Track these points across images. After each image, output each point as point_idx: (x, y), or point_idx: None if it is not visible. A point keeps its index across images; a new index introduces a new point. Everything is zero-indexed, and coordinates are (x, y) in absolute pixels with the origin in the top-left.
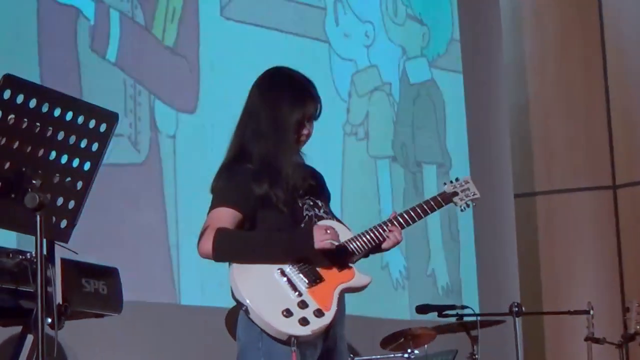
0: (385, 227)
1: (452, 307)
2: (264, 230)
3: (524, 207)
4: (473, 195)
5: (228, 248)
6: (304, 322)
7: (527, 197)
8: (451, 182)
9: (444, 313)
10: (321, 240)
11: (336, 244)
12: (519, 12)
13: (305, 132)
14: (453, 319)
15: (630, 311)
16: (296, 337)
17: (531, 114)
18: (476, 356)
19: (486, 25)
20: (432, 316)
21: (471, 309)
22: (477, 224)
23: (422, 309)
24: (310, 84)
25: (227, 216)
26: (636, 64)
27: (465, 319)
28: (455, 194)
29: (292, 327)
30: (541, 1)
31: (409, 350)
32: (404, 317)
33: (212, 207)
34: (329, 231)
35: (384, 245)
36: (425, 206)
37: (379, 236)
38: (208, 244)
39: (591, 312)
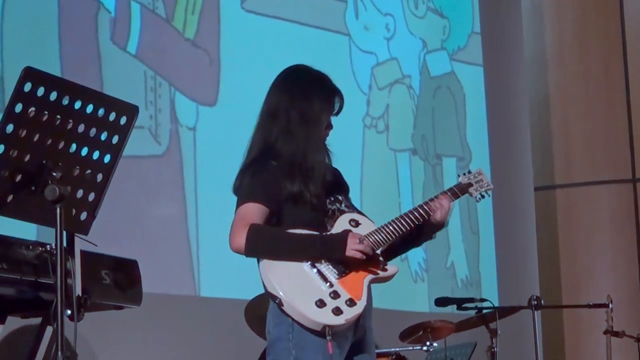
0: (414, 212)
1: (471, 300)
2: (292, 226)
3: (544, 200)
4: (487, 186)
5: (261, 245)
6: (337, 311)
7: (547, 190)
8: (464, 174)
9: (463, 306)
10: (353, 249)
11: (366, 257)
12: (540, 5)
13: (328, 128)
14: (472, 312)
15: None
16: (331, 326)
17: (551, 107)
18: (495, 349)
19: (507, 18)
20: (452, 309)
21: (490, 302)
22: (496, 217)
23: (441, 302)
24: (331, 79)
25: (256, 211)
26: None
27: (484, 311)
28: (470, 184)
29: (326, 317)
30: None
31: (428, 343)
32: (423, 309)
33: (240, 203)
34: (364, 242)
35: (437, 216)
36: (449, 192)
37: (404, 225)
38: (241, 240)
39: (610, 305)
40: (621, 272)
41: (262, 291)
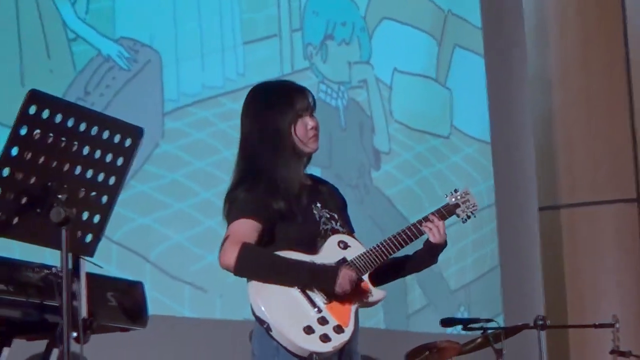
0: (402, 234)
1: (477, 320)
2: (284, 243)
3: (548, 220)
4: (473, 207)
5: (251, 265)
6: (325, 338)
7: (552, 210)
8: (451, 193)
9: (468, 326)
10: (343, 289)
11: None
12: (543, 25)
13: (310, 125)
14: (478, 332)
15: None
16: (318, 354)
17: (555, 127)
18: None
19: (510, 37)
20: (457, 329)
21: (496, 322)
22: (501, 237)
23: (447, 322)
24: (291, 82)
25: (248, 228)
26: None
27: (490, 332)
28: (457, 205)
29: (314, 344)
30: (565, 14)
31: None
32: (429, 330)
33: (233, 218)
34: (353, 284)
35: (433, 240)
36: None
37: (392, 247)
38: (231, 257)
39: (616, 325)
40: (627, 291)
41: None
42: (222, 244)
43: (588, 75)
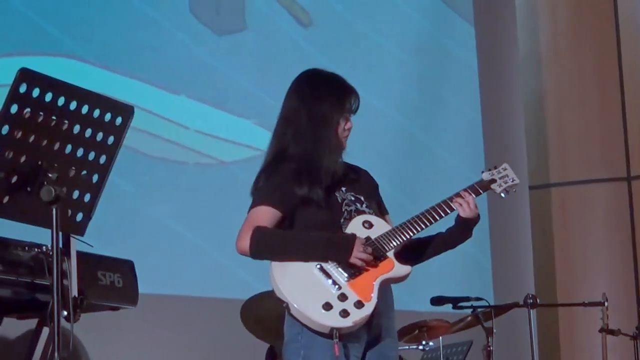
0: (427, 215)
1: (467, 299)
2: (304, 228)
3: (539, 199)
4: (512, 181)
5: (265, 247)
6: (344, 314)
7: (542, 189)
8: (489, 169)
9: (458, 305)
10: (357, 256)
11: (368, 266)
12: (534, 3)
13: (348, 126)
14: (468, 311)
15: None
16: (338, 329)
17: (546, 105)
18: (491, 348)
19: (501, 16)
20: (447, 308)
21: (486, 300)
22: (491, 216)
23: (437, 301)
24: (344, 79)
25: (266, 214)
26: None
27: (480, 310)
28: (493, 181)
29: (333, 320)
30: None
31: (424, 342)
32: (419, 309)
33: (252, 206)
34: (368, 250)
35: (463, 214)
36: (469, 189)
37: (420, 225)
38: (246, 242)
39: (606, 303)
40: (616, 270)
41: (258, 291)
42: (239, 231)
43: (578, 54)
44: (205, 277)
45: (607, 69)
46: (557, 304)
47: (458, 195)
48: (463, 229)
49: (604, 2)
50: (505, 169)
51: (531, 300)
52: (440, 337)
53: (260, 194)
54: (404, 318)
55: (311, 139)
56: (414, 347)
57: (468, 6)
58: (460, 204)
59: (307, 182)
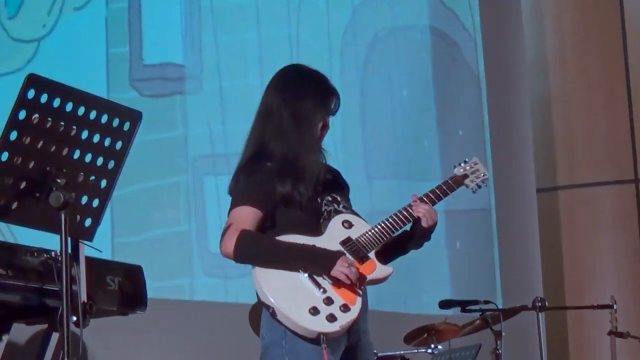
0: (403, 212)
1: (475, 302)
2: (285, 229)
3: (547, 201)
4: (483, 176)
5: (249, 252)
6: (331, 318)
7: (550, 191)
8: (460, 164)
9: (467, 308)
10: (339, 271)
11: (350, 282)
12: (540, 7)
13: (326, 128)
14: (476, 314)
15: None
16: (325, 334)
17: (553, 108)
18: (499, 351)
19: (507, 20)
20: (456, 311)
21: (494, 303)
22: (499, 219)
23: (445, 304)
24: (327, 79)
25: (248, 215)
26: None
27: (488, 313)
28: (466, 176)
29: (320, 325)
30: None
31: (433, 346)
32: (427, 312)
33: (233, 206)
34: (352, 269)
35: (423, 223)
36: (437, 191)
37: (397, 223)
38: (230, 245)
39: (614, 306)
40: (625, 272)
41: None
42: (223, 233)
43: (585, 57)
44: (213, 282)
45: (613, 72)
46: (566, 307)
47: (423, 200)
48: (426, 234)
49: (609, 6)
50: (476, 164)
51: (540, 303)
52: (449, 341)
53: (242, 194)
54: (412, 321)
55: (294, 138)
56: (423, 350)
57: (474, 12)
58: (424, 215)
59: (290, 181)
